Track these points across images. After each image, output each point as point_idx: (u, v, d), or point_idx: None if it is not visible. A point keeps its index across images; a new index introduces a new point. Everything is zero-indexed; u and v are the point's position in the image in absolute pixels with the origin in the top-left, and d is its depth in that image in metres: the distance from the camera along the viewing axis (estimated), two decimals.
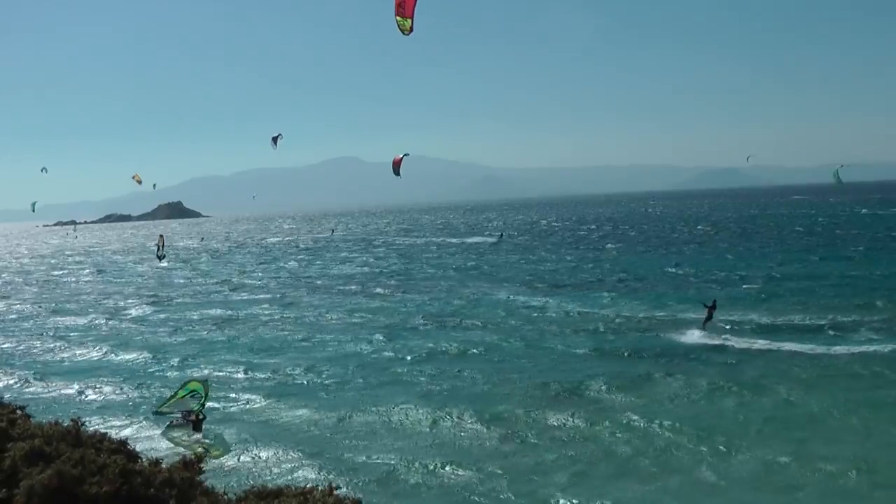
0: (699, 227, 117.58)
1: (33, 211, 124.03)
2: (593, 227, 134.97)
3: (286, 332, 38.94)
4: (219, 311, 47.18)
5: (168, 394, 25.09)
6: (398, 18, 19.27)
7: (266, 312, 45.81)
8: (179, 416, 23.66)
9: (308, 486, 9.43)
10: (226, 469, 19.15)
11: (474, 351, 32.27)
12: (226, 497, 9.00)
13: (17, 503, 7.37)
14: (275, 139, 37.75)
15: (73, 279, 76.69)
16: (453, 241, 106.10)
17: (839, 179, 48.90)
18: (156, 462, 9.07)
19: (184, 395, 23.76)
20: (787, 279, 49.84)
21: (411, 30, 19.36)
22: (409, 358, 31.59)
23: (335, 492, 9.08)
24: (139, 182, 62.06)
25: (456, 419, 22.78)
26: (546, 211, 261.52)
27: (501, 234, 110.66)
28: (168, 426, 23.45)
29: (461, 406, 23.86)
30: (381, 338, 35.57)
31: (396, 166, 32.43)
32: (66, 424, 10.47)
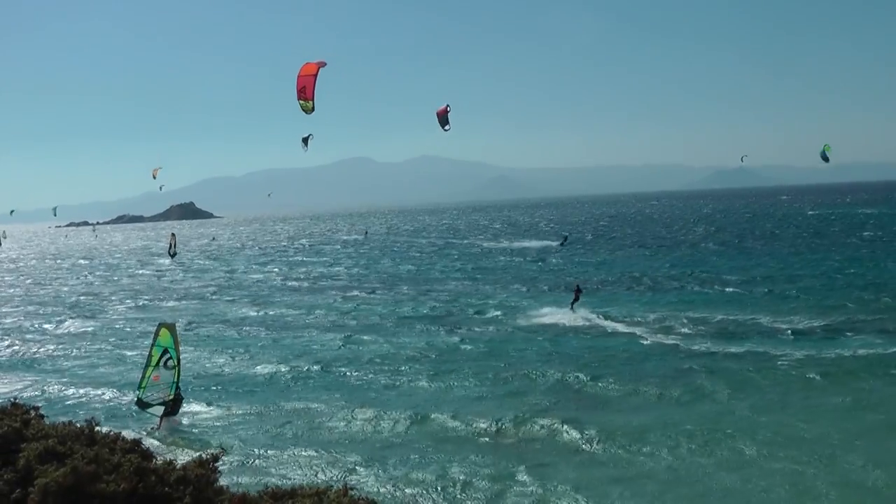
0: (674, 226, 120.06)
1: (55, 215, 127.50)
2: (587, 226, 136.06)
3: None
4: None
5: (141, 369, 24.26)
6: (300, 101, 22.04)
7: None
8: (159, 403, 22.78)
9: (322, 486, 9.39)
10: (234, 468, 19.04)
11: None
12: (240, 496, 8.95)
13: (32, 502, 7.34)
14: (305, 140, 37.06)
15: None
16: (520, 245, 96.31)
17: (825, 156, 49.62)
18: (170, 461, 9.05)
19: (158, 359, 22.83)
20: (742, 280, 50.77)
21: (313, 109, 22.06)
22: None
23: (350, 492, 9.03)
24: (154, 176, 63.20)
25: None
26: (552, 211, 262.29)
27: (566, 238, 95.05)
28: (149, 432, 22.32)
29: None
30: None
31: (442, 116, 29.44)
32: (79, 425, 10.46)
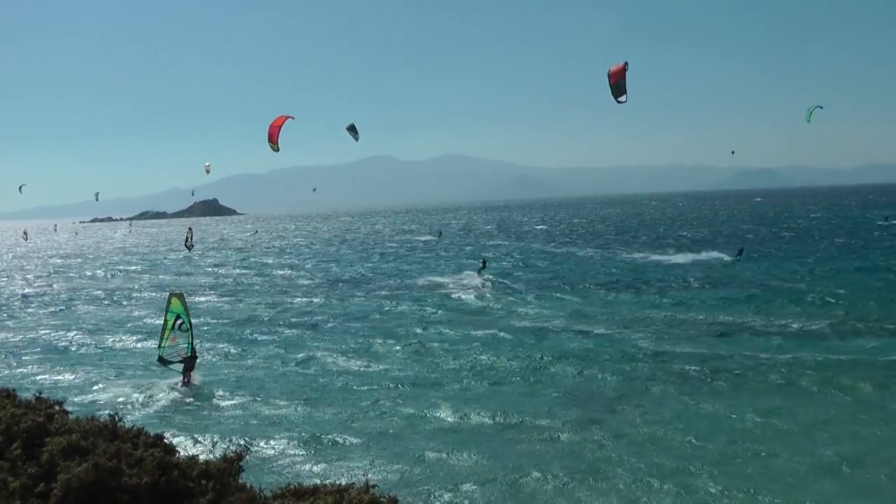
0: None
1: (97, 200, 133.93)
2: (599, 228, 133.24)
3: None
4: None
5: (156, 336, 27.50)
6: (270, 144, 31.01)
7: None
8: (178, 360, 25.90)
9: (344, 483, 9.37)
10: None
11: None
12: (262, 494, 8.95)
13: (54, 497, 7.39)
14: (352, 130, 37.19)
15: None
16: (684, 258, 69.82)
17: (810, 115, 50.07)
18: (193, 456, 9.08)
19: (172, 322, 25.87)
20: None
21: (278, 150, 31.25)
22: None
23: (371, 489, 9.00)
24: (208, 171, 65.60)
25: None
26: (571, 210, 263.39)
27: (741, 250, 69.73)
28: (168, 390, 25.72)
29: None
30: None
31: (618, 77, 22.44)
32: (102, 419, 10.52)
